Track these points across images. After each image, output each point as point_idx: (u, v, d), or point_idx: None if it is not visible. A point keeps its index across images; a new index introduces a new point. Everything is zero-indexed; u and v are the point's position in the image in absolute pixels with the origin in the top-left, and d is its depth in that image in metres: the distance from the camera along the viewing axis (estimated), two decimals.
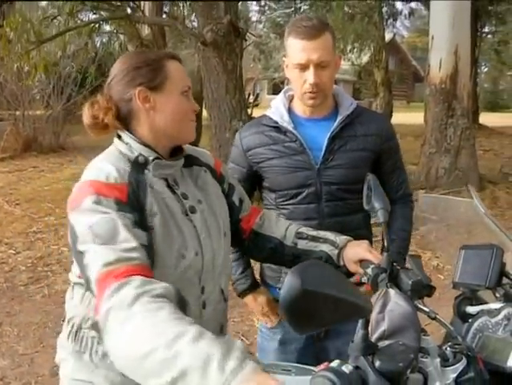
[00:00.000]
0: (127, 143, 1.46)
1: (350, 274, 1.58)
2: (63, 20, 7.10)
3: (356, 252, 1.56)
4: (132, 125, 1.47)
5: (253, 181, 2.10)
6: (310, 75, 1.87)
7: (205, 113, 7.02)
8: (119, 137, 1.48)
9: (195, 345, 1.00)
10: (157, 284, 1.17)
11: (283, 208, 2.02)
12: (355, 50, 18.47)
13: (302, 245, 1.68)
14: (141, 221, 1.34)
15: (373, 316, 1.17)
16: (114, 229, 1.26)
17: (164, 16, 10.83)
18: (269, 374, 0.96)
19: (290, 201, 2.01)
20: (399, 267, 1.39)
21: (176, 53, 1.54)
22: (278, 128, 2.01)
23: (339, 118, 1.99)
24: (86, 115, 1.45)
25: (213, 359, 0.96)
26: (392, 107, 17.07)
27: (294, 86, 1.98)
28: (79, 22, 7.40)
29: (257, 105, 14.70)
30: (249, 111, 13.19)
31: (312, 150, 1.97)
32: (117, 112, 1.45)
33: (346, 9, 16.23)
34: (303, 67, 1.88)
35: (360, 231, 2.00)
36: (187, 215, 1.48)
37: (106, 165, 1.39)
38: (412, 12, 20.73)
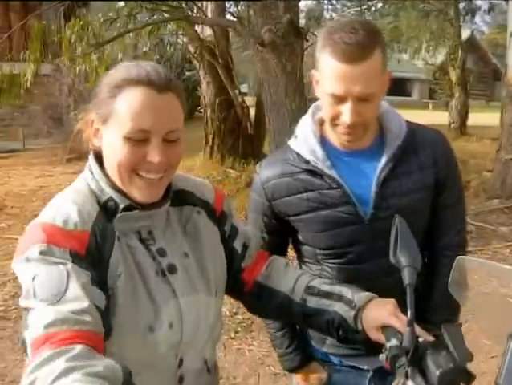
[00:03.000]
0: (96, 181, 1.20)
1: (370, 342, 1.26)
2: (122, 22, 7.02)
3: (378, 315, 1.22)
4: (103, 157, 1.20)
5: (285, 234, 1.68)
6: (346, 112, 1.42)
7: None
8: (91, 170, 1.22)
9: None
10: (101, 360, 0.93)
11: (327, 266, 1.62)
12: (431, 48, 17.78)
13: (313, 302, 1.35)
14: (100, 282, 1.08)
15: None
16: (62, 284, 1.02)
17: (229, 16, 10.65)
18: None
19: (336, 260, 1.60)
20: (426, 343, 1.07)
21: (158, 78, 1.14)
22: (311, 170, 1.55)
23: (389, 151, 1.54)
24: None
25: None
26: (468, 108, 16.31)
27: (324, 112, 1.52)
28: (138, 23, 7.31)
29: None
30: None
31: (358, 197, 1.53)
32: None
33: (420, 6, 15.61)
34: (339, 99, 1.42)
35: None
36: (164, 276, 1.21)
37: (68, 204, 1.14)
38: (491, 7, 19.69)
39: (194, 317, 1.22)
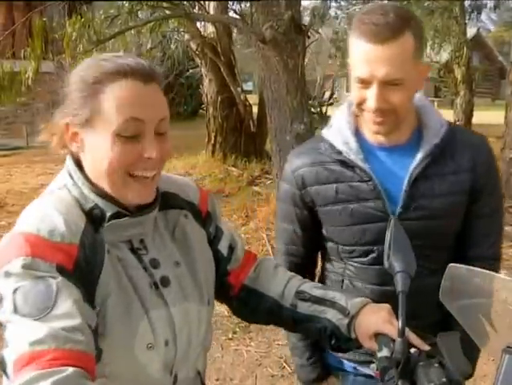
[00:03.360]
0: (78, 188, 1.09)
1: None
2: (123, 19, 6.97)
3: (371, 322, 1.16)
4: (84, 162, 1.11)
5: (318, 227, 1.60)
6: (371, 97, 1.36)
7: None
8: (71, 175, 1.11)
9: None
10: None
11: (350, 265, 1.57)
12: (436, 46, 17.65)
13: (303, 308, 1.29)
14: (89, 300, 0.99)
15: None
16: (50, 299, 0.92)
17: (232, 13, 10.58)
18: None
19: (359, 259, 1.54)
20: (420, 354, 1.02)
21: (142, 69, 1.06)
22: (343, 161, 1.50)
23: (424, 149, 1.46)
24: None
25: None
26: (473, 106, 16.18)
27: (352, 98, 1.48)
28: (139, 21, 7.26)
29: (331, 104, 14.25)
30: (323, 109, 12.83)
31: (388, 193, 1.47)
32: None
33: (425, 3, 15.49)
34: (366, 83, 1.37)
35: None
36: (157, 288, 1.12)
37: (52, 213, 1.02)
38: (497, 5, 19.51)
39: (187, 331, 1.16)
